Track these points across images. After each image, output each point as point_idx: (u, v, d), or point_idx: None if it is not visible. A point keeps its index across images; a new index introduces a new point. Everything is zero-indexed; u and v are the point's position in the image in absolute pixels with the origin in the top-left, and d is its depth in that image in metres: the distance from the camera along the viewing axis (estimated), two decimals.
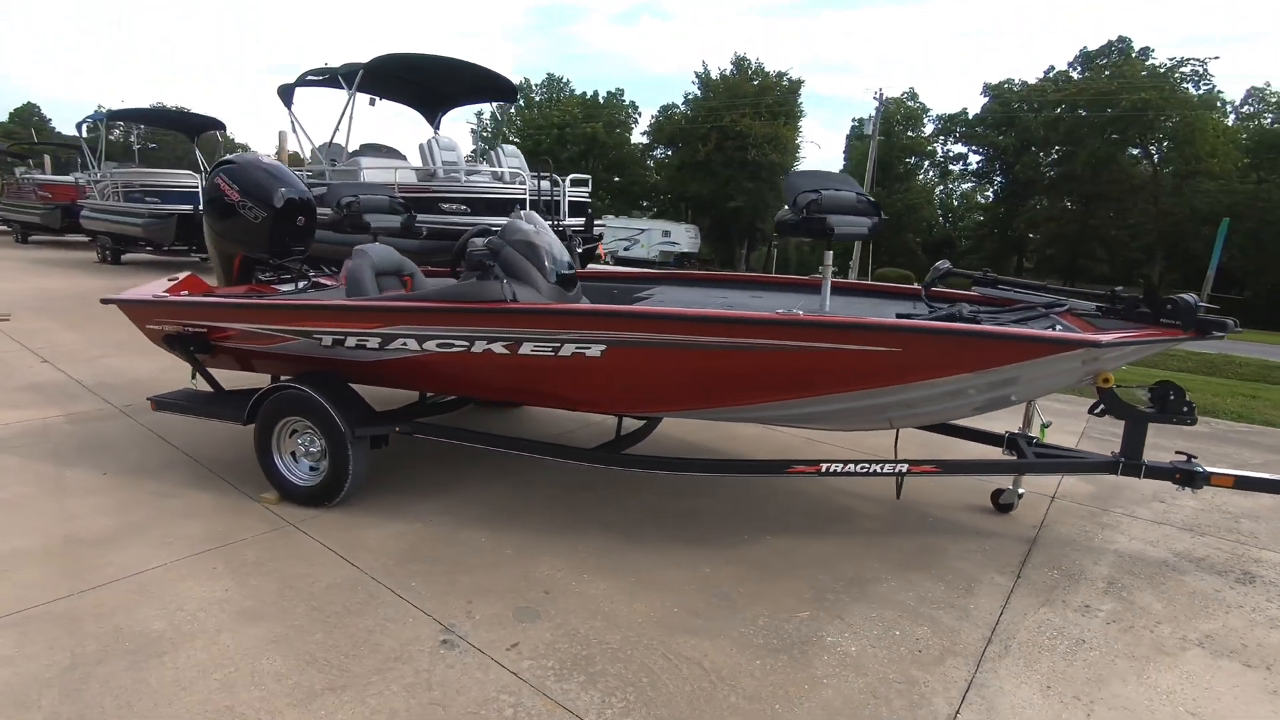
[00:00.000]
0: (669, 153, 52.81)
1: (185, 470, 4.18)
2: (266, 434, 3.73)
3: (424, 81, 10.62)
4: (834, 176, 3.62)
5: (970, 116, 49.26)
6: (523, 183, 9.35)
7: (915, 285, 4.34)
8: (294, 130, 10.36)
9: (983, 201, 52.41)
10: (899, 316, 3.24)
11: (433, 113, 11.90)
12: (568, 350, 3.21)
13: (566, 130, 51.37)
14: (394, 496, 3.86)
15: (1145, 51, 40.46)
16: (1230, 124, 39.84)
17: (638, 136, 55.98)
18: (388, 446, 3.79)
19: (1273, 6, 62.25)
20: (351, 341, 3.56)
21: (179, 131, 18.21)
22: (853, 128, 60.00)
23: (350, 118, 9.55)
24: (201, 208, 4.73)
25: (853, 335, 2.94)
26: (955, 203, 54.96)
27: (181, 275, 4.60)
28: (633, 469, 3.58)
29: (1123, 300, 3.39)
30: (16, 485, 3.84)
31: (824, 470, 3.34)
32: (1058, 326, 3.29)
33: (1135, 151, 40.44)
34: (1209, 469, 3.30)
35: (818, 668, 2.54)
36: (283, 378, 3.90)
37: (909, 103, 52.78)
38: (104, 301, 4.33)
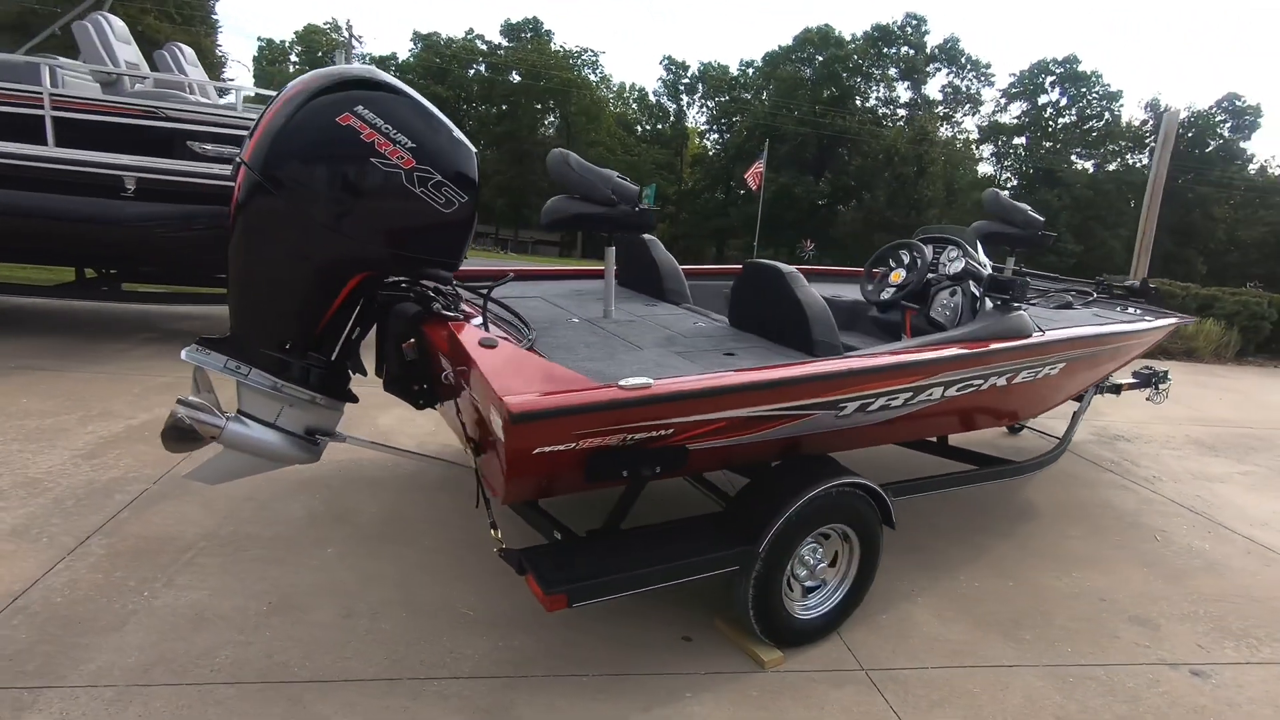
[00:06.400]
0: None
1: (539, 692, 2.23)
2: (778, 567, 2.42)
3: None
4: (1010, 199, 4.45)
5: (401, 61, 49.67)
6: None
7: None
8: None
9: None
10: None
11: None
12: (1045, 371, 3.28)
13: None
14: None
15: (549, 34, 48.40)
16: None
17: None
18: None
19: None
20: (878, 404, 2.64)
21: None
22: (259, 48, 53.23)
23: None
24: (271, 173, 2.02)
25: (1162, 331, 4.08)
26: None
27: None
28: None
29: (1108, 288, 5.32)
30: None
31: None
32: (1132, 310, 4.98)
33: (554, 118, 48.60)
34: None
35: None
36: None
37: (333, 34, 49.69)
38: (515, 420, 1.70)
